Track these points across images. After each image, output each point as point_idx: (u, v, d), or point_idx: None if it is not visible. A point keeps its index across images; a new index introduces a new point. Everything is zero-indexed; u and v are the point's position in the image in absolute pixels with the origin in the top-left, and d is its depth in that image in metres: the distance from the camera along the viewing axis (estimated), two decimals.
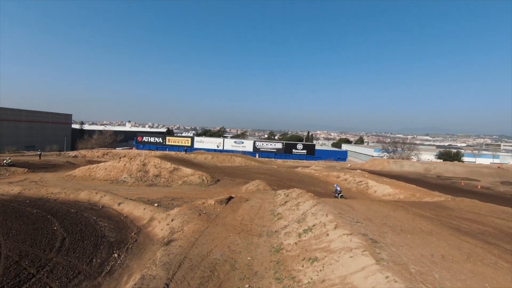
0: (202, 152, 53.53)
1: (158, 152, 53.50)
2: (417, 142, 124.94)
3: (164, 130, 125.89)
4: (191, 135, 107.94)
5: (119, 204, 14.91)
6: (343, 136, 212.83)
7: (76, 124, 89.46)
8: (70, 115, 77.60)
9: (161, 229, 10.15)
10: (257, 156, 61.45)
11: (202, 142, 64.04)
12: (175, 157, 37.62)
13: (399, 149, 67.61)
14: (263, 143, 66.45)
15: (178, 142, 64.95)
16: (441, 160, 62.83)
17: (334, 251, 6.08)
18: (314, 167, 41.16)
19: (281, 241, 8.07)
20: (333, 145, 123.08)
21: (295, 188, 15.32)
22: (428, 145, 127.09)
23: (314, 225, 7.92)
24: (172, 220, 10.36)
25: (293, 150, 65.50)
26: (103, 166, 28.58)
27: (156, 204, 16.28)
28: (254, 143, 65.04)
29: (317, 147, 70.51)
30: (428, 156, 71.27)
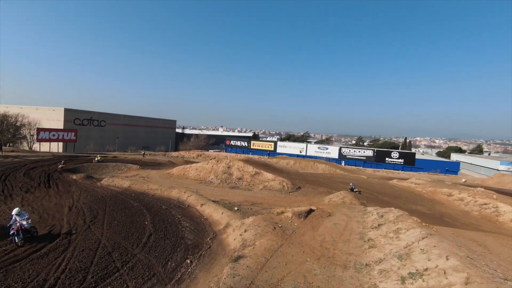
0: (285, 157, 53.10)
1: (243, 156, 56.12)
2: None
3: (250, 134, 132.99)
4: (275, 139, 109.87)
5: (201, 205, 15.50)
6: (452, 144, 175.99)
7: (179, 128, 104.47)
8: (175, 121, 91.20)
9: (234, 239, 9.58)
10: (342, 164, 56.74)
11: (285, 147, 63.85)
12: (257, 161, 38.23)
13: None
14: (350, 149, 60.92)
15: (261, 146, 66.90)
16: None
17: None
18: (415, 180, 34.40)
19: (374, 282, 6.09)
20: (439, 154, 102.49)
21: (392, 208, 12.39)
22: None
23: (426, 270, 5.62)
24: (245, 231, 9.67)
25: (387, 159, 57.40)
26: (194, 166, 31.44)
27: (236, 208, 16.20)
28: (340, 150, 60.39)
29: (417, 156, 59.73)
30: None
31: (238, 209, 15.48)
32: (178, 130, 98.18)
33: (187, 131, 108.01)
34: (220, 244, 9.85)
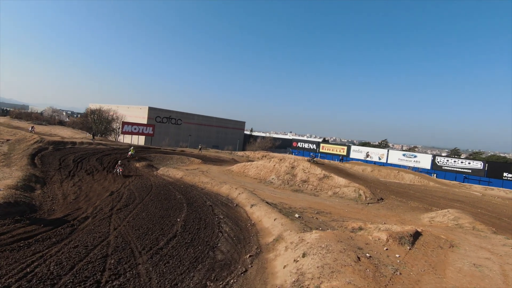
0: (360, 163, 45.69)
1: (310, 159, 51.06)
2: None
3: (320, 140, 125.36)
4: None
5: (251, 205, 12.14)
6: None
7: (247, 131, 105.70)
8: (244, 122, 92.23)
9: (284, 266, 5.78)
10: (434, 176, 45.40)
11: (360, 152, 55.62)
12: (327, 164, 33.09)
13: None
14: (449, 159, 48.49)
15: (332, 150, 60.15)
16: None
17: None
18: None
19: None
20: None
21: None
22: None
23: None
24: (304, 255, 5.75)
25: (504, 174, 43.21)
26: (255, 164, 28.69)
27: (296, 215, 12.46)
28: (433, 158, 48.66)
29: None
30: None
31: (299, 217, 11.68)
32: (247, 132, 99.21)
33: (255, 133, 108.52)
34: (262, 269, 6.18)
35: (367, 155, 54.22)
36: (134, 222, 8.64)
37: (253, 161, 45.47)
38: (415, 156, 50.68)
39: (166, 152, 35.06)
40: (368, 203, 19.13)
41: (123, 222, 8.44)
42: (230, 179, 23.06)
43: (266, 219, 9.96)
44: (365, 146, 68.43)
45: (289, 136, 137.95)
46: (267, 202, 12.89)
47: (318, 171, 24.16)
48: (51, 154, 22.50)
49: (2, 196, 8.75)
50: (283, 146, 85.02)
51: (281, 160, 27.86)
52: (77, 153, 24.59)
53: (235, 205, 13.04)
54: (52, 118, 65.80)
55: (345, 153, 57.21)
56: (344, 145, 64.98)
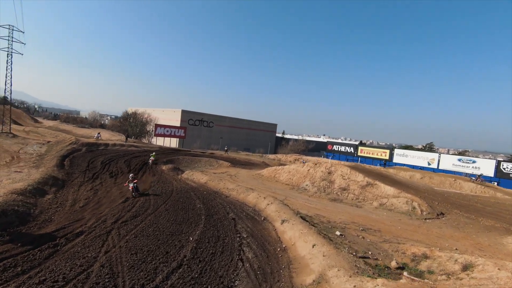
0: (406, 169, 40.63)
1: (348, 163, 47.10)
2: None
3: (356, 143, 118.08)
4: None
5: (282, 221, 9.90)
6: None
7: (279, 133, 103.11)
8: (276, 125, 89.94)
9: None
10: (494, 184, 38.53)
11: (406, 156, 49.86)
12: (368, 169, 29.47)
13: None
14: None
15: (372, 153, 55.00)
16: None
17: None
18: None
19: None
20: None
21: None
22: None
23: None
24: None
25: None
26: (287, 169, 26.34)
27: (338, 232, 10.11)
28: (498, 164, 41.53)
29: None
30: None
31: (341, 235, 9.27)
32: (278, 135, 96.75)
33: (287, 136, 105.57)
34: None
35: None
36: (135, 242, 6.96)
37: (285, 164, 42.96)
38: (474, 162, 43.88)
39: (195, 154, 34.25)
40: (426, 219, 15.74)
41: (121, 242, 6.80)
42: (259, 184, 21.04)
43: (301, 244, 7.66)
44: (408, 149, 61.78)
45: (322, 139, 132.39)
46: (301, 217, 10.56)
47: (360, 177, 21.08)
48: (82, 156, 22.48)
49: None
50: (317, 149, 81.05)
51: (316, 164, 25.18)
52: (107, 154, 24.49)
53: (262, 219, 10.92)
54: (94, 122, 69.96)
55: (387, 157, 51.88)
56: (386, 148, 59.24)
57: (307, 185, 22.07)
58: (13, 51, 29.72)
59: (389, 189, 19.16)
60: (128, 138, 39.30)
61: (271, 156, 55.51)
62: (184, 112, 66.78)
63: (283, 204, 12.32)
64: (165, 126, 47.96)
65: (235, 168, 29.88)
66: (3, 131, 29.58)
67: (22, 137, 29.53)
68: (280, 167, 27.91)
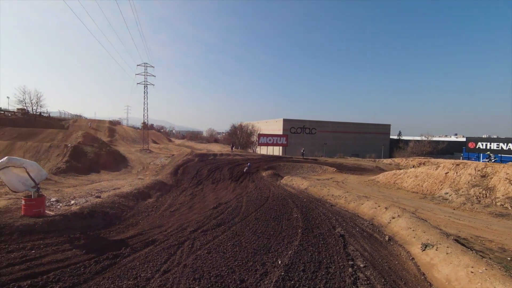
0: None
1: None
2: None
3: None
4: None
5: (424, 246, 6.26)
6: None
7: (394, 135, 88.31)
8: (389, 126, 77.35)
9: None
10: None
11: None
12: None
13: None
14: None
15: None
16: None
17: None
18: None
19: None
20: None
21: None
22: None
23: None
24: None
25: None
26: (413, 172, 20.53)
27: None
28: None
29: None
30: None
31: None
32: (393, 137, 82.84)
33: (404, 138, 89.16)
34: None
35: None
36: (204, 261, 5.31)
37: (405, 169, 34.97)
38: None
39: (297, 160, 32.42)
40: None
41: (188, 259, 5.31)
42: (374, 192, 16.80)
43: None
44: None
45: (456, 139, 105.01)
46: (455, 240, 6.51)
47: None
48: (193, 165, 24.50)
49: (85, 205, 8.01)
50: (449, 151, 64.38)
51: (458, 165, 18.41)
52: (214, 163, 25.98)
53: (387, 238, 7.49)
54: (210, 137, 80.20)
55: None
56: None
57: (446, 193, 16.08)
58: (147, 83, 37.12)
59: None
60: (234, 148, 41.83)
61: (386, 161, 47.19)
62: (285, 121, 67.10)
63: (418, 218, 8.34)
64: (267, 135, 48.91)
65: (343, 174, 25.96)
66: (144, 148, 36.84)
67: (155, 152, 35.90)
68: (401, 171, 22.15)
